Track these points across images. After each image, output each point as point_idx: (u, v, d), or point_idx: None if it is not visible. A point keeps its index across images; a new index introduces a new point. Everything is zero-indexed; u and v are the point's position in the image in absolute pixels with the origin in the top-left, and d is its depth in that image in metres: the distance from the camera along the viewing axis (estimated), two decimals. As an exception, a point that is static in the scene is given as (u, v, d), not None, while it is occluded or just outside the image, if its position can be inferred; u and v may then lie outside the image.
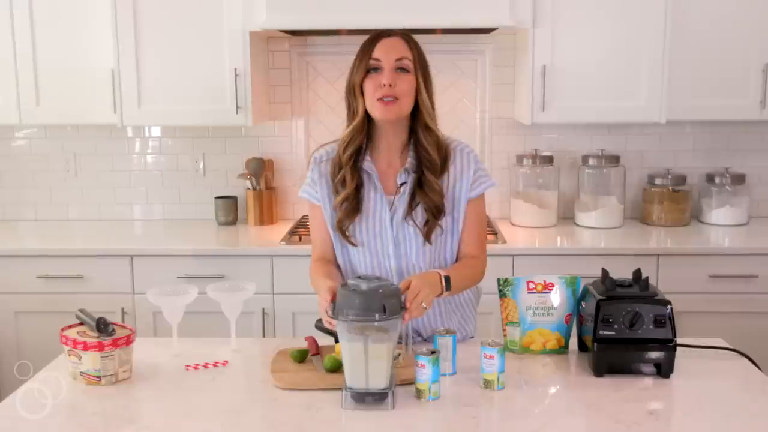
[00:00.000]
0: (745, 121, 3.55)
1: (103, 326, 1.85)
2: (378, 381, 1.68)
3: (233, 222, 3.66)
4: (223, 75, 3.29)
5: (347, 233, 2.02)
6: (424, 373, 1.71)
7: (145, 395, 1.80)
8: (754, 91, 3.29)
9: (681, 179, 3.55)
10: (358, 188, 2.00)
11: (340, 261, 2.09)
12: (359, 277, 1.71)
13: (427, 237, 2.00)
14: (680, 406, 1.75)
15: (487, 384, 1.77)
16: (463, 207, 2.04)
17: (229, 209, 3.64)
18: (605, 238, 3.36)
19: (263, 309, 3.16)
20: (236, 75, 3.27)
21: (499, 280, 2.03)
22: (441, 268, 1.96)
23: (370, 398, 1.68)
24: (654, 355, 1.84)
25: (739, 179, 3.53)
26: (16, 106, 3.37)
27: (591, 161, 3.54)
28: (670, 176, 3.53)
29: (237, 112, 3.30)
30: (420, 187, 1.99)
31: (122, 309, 3.17)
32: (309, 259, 2.13)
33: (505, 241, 3.22)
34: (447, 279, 1.88)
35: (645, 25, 3.21)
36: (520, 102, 3.46)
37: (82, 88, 3.35)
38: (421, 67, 1.97)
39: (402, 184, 2.01)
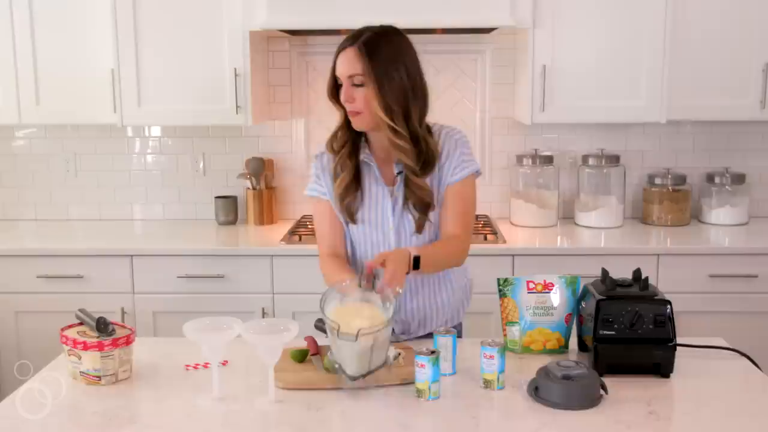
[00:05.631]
0: (745, 121, 3.55)
1: (103, 326, 1.85)
2: (379, 360, 1.75)
3: (233, 222, 3.66)
4: (223, 75, 3.29)
5: (354, 213, 2.05)
6: (424, 373, 1.71)
7: (145, 395, 1.80)
8: (754, 91, 3.29)
9: (681, 179, 3.55)
10: (359, 176, 2.04)
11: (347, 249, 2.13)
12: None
13: (418, 230, 2.04)
14: (680, 406, 1.75)
15: (487, 384, 1.77)
16: (443, 188, 2.07)
17: (229, 209, 3.64)
18: (605, 238, 3.36)
19: (263, 309, 3.16)
20: (236, 75, 3.27)
21: (499, 279, 2.03)
22: (414, 247, 1.95)
23: (370, 374, 1.74)
24: (654, 354, 1.84)
25: (739, 179, 3.53)
26: (16, 106, 3.37)
27: (591, 161, 3.54)
28: (670, 176, 3.53)
29: (237, 112, 3.30)
30: (406, 185, 2.02)
31: (122, 309, 3.17)
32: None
33: (505, 241, 3.22)
34: (417, 259, 1.89)
35: (645, 25, 3.21)
36: (520, 102, 3.46)
37: (82, 88, 3.35)
38: (376, 75, 1.93)
39: (399, 173, 2.04)
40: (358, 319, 1.70)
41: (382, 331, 1.71)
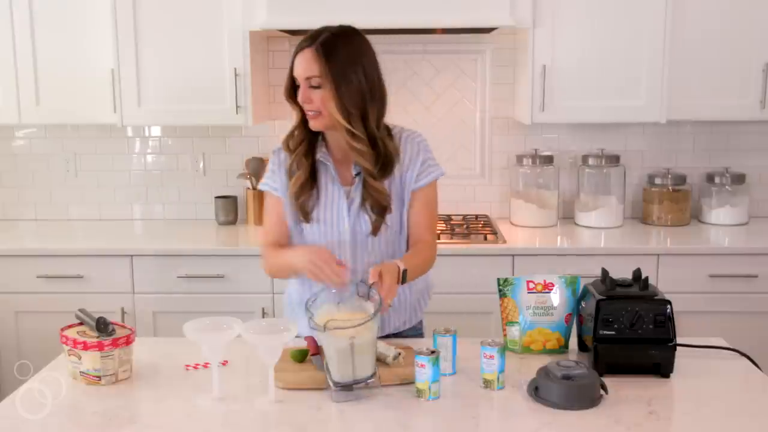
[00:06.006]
0: (745, 121, 3.55)
1: (103, 326, 1.85)
2: (365, 371, 1.73)
3: (233, 222, 3.66)
4: (223, 75, 3.29)
5: (309, 212, 2.04)
6: (424, 373, 1.71)
7: (145, 395, 1.80)
8: (754, 91, 3.29)
9: (681, 179, 3.55)
10: (315, 175, 2.04)
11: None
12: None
13: (374, 232, 2.03)
14: (680, 406, 1.75)
15: (487, 384, 1.78)
16: (408, 195, 2.07)
17: (229, 209, 3.64)
18: (605, 237, 3.36)
19: (263, 308, 3.16)
20: (236, 75, 3.27)
21: (499, 279, 2.03)
22: (399, 260, 1.95)
23: (357, 386, 1.72)
24: (654, 354, 1.84)
25: (739, 179, 3.53)
26: (16, 106, 3.37)
27: (591, 161, 3.54)
28: (670, 176, 3.53)
29: (237, 112, 3.30)
30: (364, 186, 2.02)
31: (122, 309, 3.17)
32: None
33: (505, 241, 3.22)
34: (404, 273, 1.90)
35: (645, 25, 3.21)
36: (520, 102, 3.46)
37: (82, 88, 3.35)
38: (333, 76, 1.92)
39: (357, 174, 2.03)
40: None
41: (361, 334, 1.70)
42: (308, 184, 2.03)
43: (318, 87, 1.93)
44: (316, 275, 1.86)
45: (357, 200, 2.03)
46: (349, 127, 1.93)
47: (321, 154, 2.04)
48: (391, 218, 2.05)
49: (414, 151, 2.07)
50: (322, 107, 1.94)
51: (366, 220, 2.03)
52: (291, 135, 2.06)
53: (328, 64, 1.92)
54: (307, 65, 1.93)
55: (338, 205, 2.04)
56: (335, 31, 1.98)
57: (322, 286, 1.88)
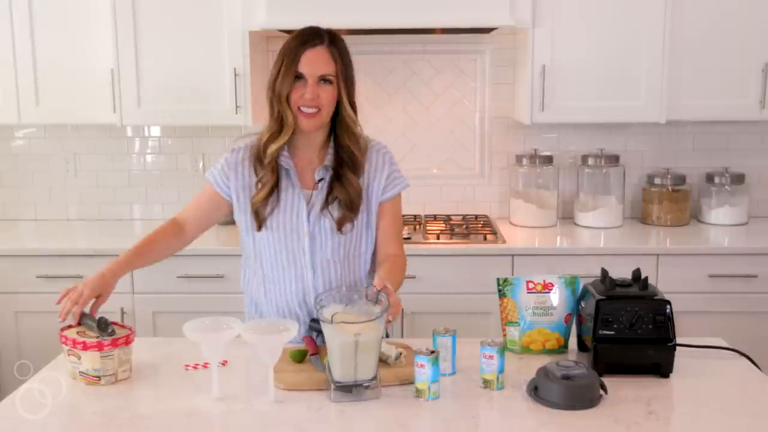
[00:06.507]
0: (745, 121, 3.55)
1: (103, 326, 1.85)
2: (366, 373, 1.72)
3: (233, 222, 3.64)
4: (223, 75, 3.29)
5: (264, 219, 2.03)
6: (424, 373, 1.71)
7: (144, 395, 1.80)
8: (754, 91, 3.29)
9: (681, 179, 3.55)
10: (277, 183, 2.02)
11: (251, 253, 2.12)
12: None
13: (339, 227, 2.02)
14: (680, 406, 1.75)
15: (487, 384, 1.78)
16: (374, 205, 2.07)
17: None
18: (605, 237, 3.36)
19: (263, 309, 3.16)
20: (236, 75, 3.27)
21: (498, 279, 2.03)
22: (382, 278, 1.89)
23: (357, 389, 1.71)
24: (653, 354, 1.84)
25: (738, 179, 3.53)
26: (16, 106, 3.37)
27: (591, 161, 3.54)
28: (669, 176, 3.53)
29: (236, 112, 3.30)
30: (338, 180, 2.01)
31: (122, 309, 3.17)
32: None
33: (504, 241, 3.22)
34: None
35: (645, 25, 3.21)
36: (520, 102, 3.46)
37: (81, 88, 3.35)
38: (344, 76, 1.97)
39: (320, 180, 2.03)
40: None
41: (366, 332, 1.69)
42: (270, 196, 2.02)
43: (329, 82, 1.94)
44: (64, 296, 1.96)
45: (318, 205, 2.03)
46: (355, 120, 1.99)
47: (284, 160, 2.03)
48: (358, 217, 2.05)
49: (380, 161, 2.08)
50: (327, 104, 1.95)
51: (326, 224, 2.02)
52: (264, 146, 2.00)
53: (342, 60, 1.96)
54: (323, 62, 1.94)
55: (297, 211, 2.03)
56: (332, 31, 2.02)
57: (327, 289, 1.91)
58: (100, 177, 3.77)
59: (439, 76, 3.65)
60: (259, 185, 2.03)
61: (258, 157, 2.03)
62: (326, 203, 2.02)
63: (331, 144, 2.05)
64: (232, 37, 3.26)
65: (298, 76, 1.94)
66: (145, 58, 3.29)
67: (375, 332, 1.72)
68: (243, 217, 2.08)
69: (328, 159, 2.04)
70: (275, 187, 2.01)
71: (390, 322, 1.78)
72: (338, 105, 1.99)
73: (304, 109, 1.95)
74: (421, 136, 3.67)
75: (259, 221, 2.03)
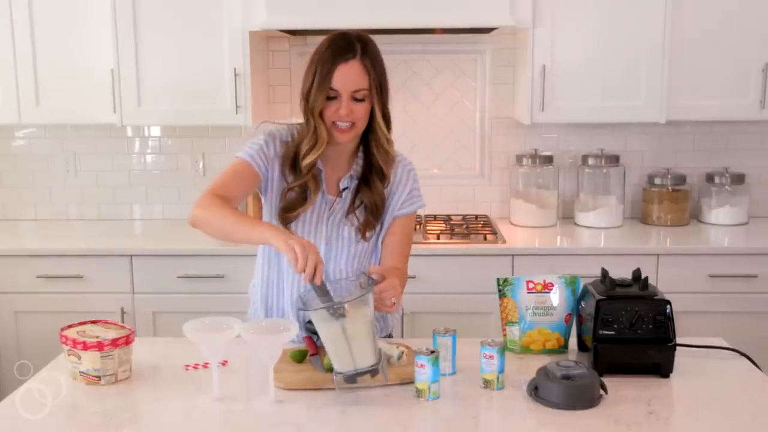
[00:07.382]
0: (745, 121, 3.55)
1: (324, 289, 1.73)
2: (364, 360, 1.71)
3: (233, 222, 3.65)
4: (223, 75, 3.29)
5: (293, 213, 1.99)
6: (424, 373, 1.71)
7: (144, 395, 1.80)
8: (754, 91, 3.29)
9: (681, 179, 3.55)
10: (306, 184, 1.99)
11: (264, 251, 2.11)
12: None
13: (363, 234, 2.02)
14: (680, 406, 1.75)
15: (487, 384, 1.78)
16: (389, 219, 2.06)
17: (229, 209, 3.64)
18: (605, 237, 3.36)
19: (263, 309, 3.16)
20: (236, 75, 3.27)
21: (498, 279, 2.03)
22: (378, 268, 1.90)
23: (360, 377, 1.71)
24: (654, 354, 1.84)
25: (738, 179, 3.53)
26: (16, 106, 3.37)
27: (591, 161, 3.54)
28: (669, 176, 3.53)
29: (236, 112, 3.30)
30: (366, 184, 2.01)
31: (122, 309, 3.17)
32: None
33: (504, 241, 3.22)
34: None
35: (644, 25, 3.21)
36: (520, 102, 3.46)
37: (81, 88, 3.35)
38: (378, 86, 1.92)
39: (344, 189, 2.03)
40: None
41: (351, 317, 1.67)
42: (300, 198, 2.00)
43: (362, 100, 1.91)
44: (298, 261, 1.69)
45: (338, 213, 2.03)
46: (389, 137, 1.98)
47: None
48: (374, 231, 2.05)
49: (404, 177, 2.07)
50: (361, 119, 1.92)
51: (344, 233, 2.02)
52: (302, 157, 1.94)
53: (376, 74, 1.91)
54: (356, 78, 1.89)
55: (319, 213, 2.03)
56: (364, 37, 1.93)
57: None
58: (100, 177, 3.77)
59: (440, 76, 3.65)
60: (296, 189, 1.98)
61: (291, 162, 1.98)
62: (352, 206, 2.01)
63: (360, 154, 2.03)
64: (232, 37, 3.26)
65: (332, 90, 1.89)
66: (145, 58, 3.29)
67: (362, 317, 1.70)
68: (272, 206, 2.04)
69: (355, 169, 2.03)
70: (308, 189, 1.99)
71: (386, 307, 1.77)
72: (372, 117, 1.96)
73: (339, 124, 1.92)
74: (422, 136, 3.67)
75: (286, 219, 2.00)
